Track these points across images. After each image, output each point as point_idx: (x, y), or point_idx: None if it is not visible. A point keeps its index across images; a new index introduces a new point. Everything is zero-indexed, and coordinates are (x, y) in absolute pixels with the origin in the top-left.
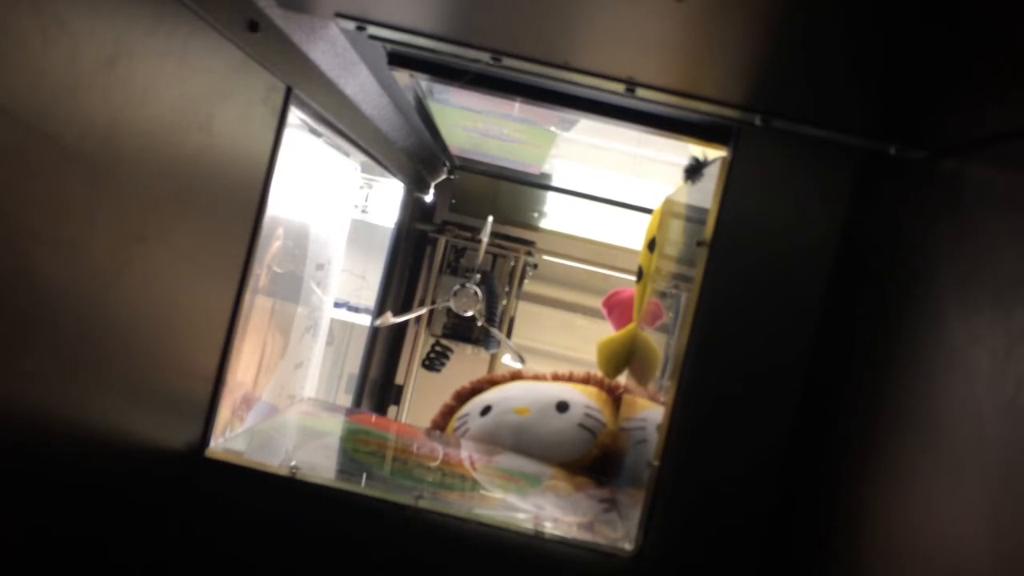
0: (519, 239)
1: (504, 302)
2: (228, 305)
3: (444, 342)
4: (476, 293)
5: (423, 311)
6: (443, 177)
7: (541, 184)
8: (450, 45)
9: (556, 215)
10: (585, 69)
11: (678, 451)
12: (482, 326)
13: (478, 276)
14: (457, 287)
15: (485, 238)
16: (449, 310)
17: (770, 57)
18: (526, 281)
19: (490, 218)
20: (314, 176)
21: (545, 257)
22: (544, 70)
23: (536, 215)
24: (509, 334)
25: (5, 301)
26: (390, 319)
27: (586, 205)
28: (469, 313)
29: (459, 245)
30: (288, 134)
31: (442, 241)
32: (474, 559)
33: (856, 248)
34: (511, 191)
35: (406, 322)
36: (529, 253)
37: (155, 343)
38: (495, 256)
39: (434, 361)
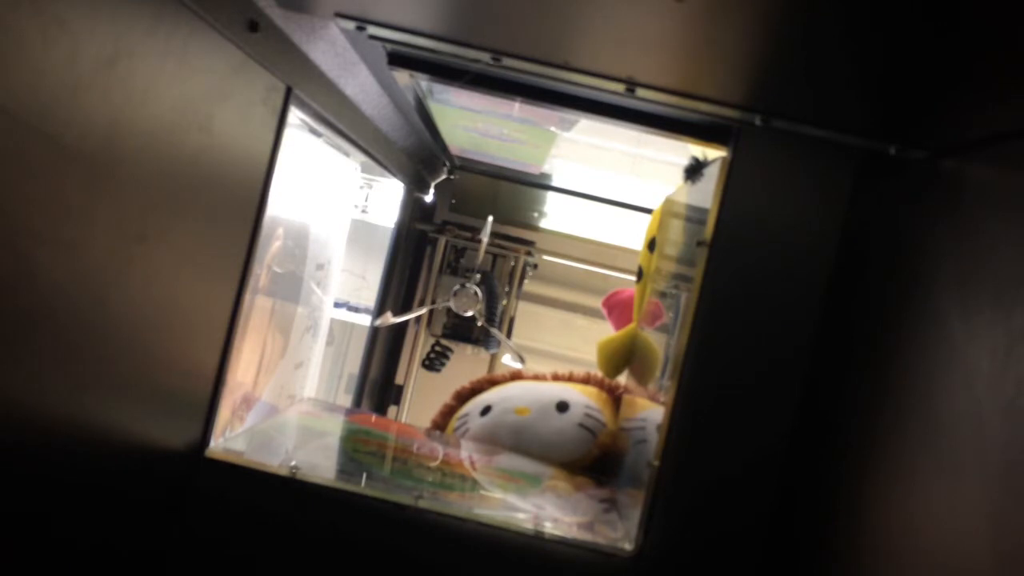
0: (519, 239)
1: (504, 302)
2: (228, 305)
3: (444, 342)
4: (476, 293)
5: (423, 311)
6: (443, 177)
7: (541, 184)
8: (450, 45)
9: (556, 215)
10: (585, 69)
11: (678, 451)
12: (482, 326)
13: (478, 276)
14: (457, 287)
15: (485, 238)
16: (449, 310)
17: (770, 57)
18: (526, 281)
19: (490, 218)
20: (314, 176)
21: (545, 257)
22: (544, 70)
23: (536, 215)
24: (509, 334)
25: (6, 301)
26: (390, 319)
27: (586, 205)
28: (469, 313)
29: (459, 245)
30: (288, 134)
31: (442, 241)
32: (474, 559)
33: (856, 248)
34: (511, 191)
35: (406, 322)
36: (529, 253)
37: (155, 343)
38: (495, 256)
39: (434, 361)
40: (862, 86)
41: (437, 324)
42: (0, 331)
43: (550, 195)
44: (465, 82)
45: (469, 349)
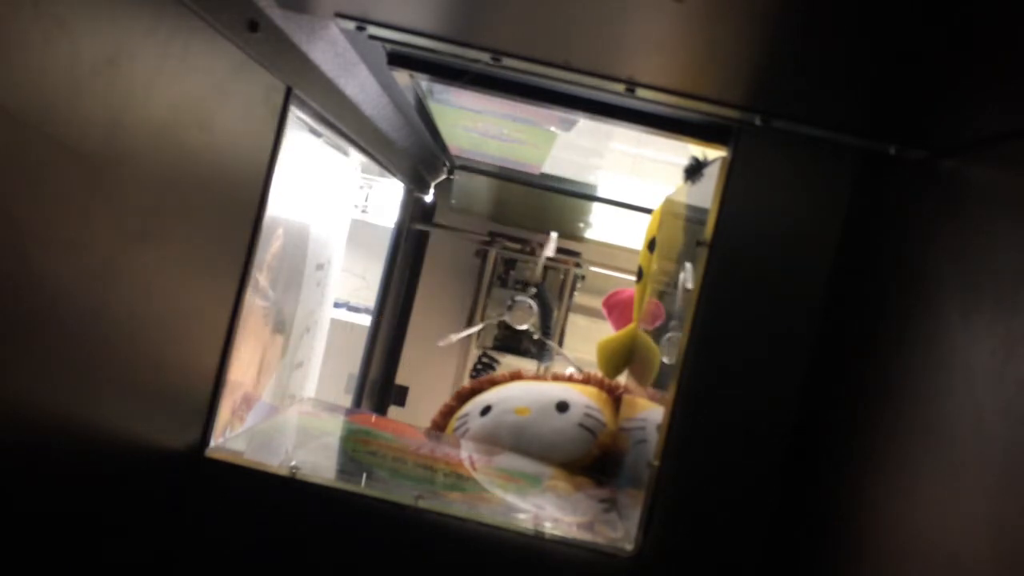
0: (566, 250)
1: (556, 314)
2: (228, 305)
3: (492, 353)
4: (531, 307)
5: (481, 327)
6: (443, 177)
7: (541, 184)
8: (450, 45)
9: (600, 226)
10: (585, 69)
11: (678, 451)
12: (537, 339)
13: (533, 290)
14: (512, 301)
15: (551, 253)
16: (500, 322)
17: (770, 57)
18: (576, 293)
19: (554, 234)
20: (314, 176)
21: (593, 268)
22: (544, 70)
23: (581, 226)
24: (560, 346)
25: (6, 301)
26: (452, 338)
27: (629, 215)
28: (524, 327)
29: (509, 257)
30: (288, 134)
31: (492, 253)
32: (474, 559)
33: (856, 248)
34: (559, 203)
35: (406, 322)
36: (578, 265)
37: (155, 343)
38: (545, 268)
39: (480, 372)
40: (862, 86)
41: (488, 336)
42: (0, 331)
43: (595, 206)
44: (465, 82)
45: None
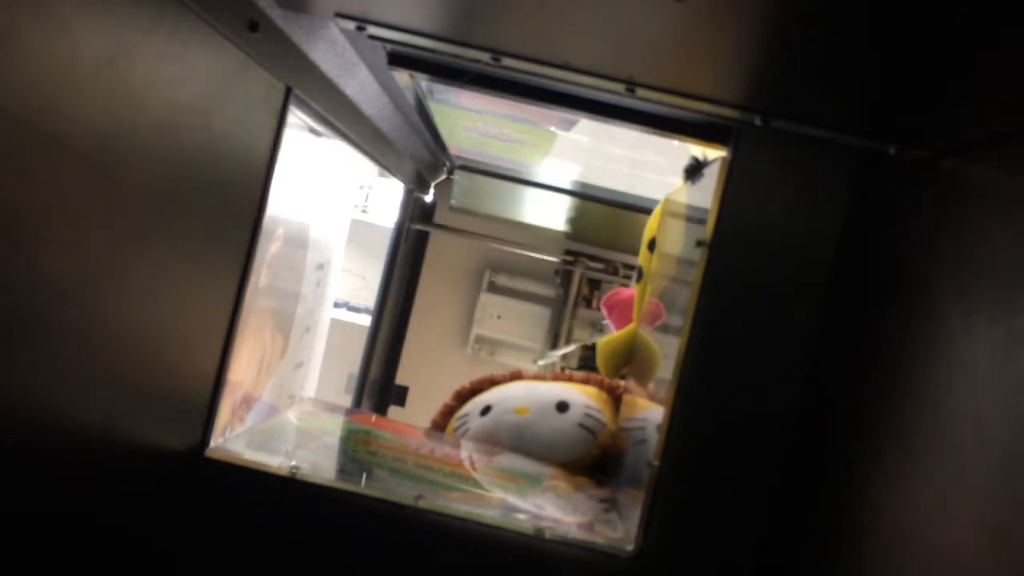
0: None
1: None
2: (228, 305)
3: (568, 372)
4: None
5: (572, 347)
6: (443, 177)
7: (541, 184)
8: (450, 45)
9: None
10: (585, 69)
11: (678, 451)
12: None
13: None
14: (602, 324)
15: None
16: (591, 344)
17: (770, 57)
18: None
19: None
20: (314, 176)
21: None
22: (544, 70)
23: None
24: None
25: (5, 301)
26: (552, 355)
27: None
28: None
29: (593, 277)
30: (288, 134)
31: (577, 273)
32: (474, 559)
33: (856, 248)
34: (630, 219)
35: (406, 322)
36: None
37: (155, 343)
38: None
39: None
40: (862, 86)
41: (572, 357)
42: (0, 331)
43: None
44: (465, 82)
45: (469, 350)
